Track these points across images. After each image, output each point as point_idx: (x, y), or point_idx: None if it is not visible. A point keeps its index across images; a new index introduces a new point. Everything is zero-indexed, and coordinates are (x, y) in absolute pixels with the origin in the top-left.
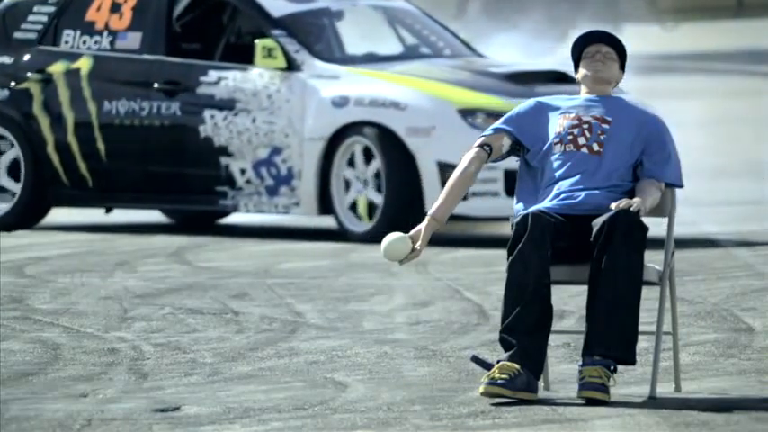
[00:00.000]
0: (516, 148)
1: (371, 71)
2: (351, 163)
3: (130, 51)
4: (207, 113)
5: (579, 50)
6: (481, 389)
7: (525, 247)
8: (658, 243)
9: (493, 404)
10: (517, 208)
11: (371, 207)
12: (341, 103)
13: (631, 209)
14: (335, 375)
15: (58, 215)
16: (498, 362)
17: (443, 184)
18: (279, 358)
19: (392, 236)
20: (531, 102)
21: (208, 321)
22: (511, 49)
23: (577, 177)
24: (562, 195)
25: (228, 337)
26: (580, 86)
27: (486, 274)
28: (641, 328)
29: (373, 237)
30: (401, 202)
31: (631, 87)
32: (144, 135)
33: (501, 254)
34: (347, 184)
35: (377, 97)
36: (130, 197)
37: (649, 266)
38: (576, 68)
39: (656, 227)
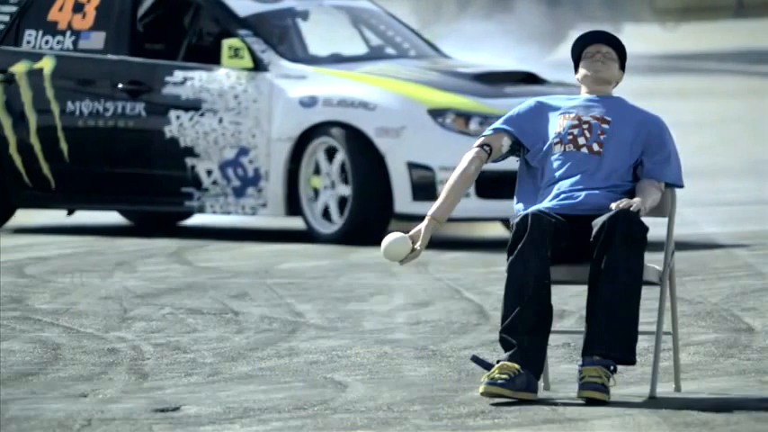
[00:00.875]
0: (516, 148)
1: (340, 71)
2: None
3: (94, 51)
4: (172, 114)
5: (579, 50)
6: (481, 389)
7: (525, 247)
8: (658, 243)
9: (493, 404)
10: (517, 208)
11: (342, 202)
12: (309, 103)
13: (631, 209)
14: (335, 375)
15: (54, 216)
16: (498, 362)
17: (413, 184)
18: (279, 358)
19: (392, 236)
20: (531, 102)
21: (208, 321)
22: (510, 50)
23: (577, 177)
24: (562, 195)
25: (228, 337)
26: (580, 87)
27: (486, 274)
28: (641, 328)
29: (341, 238)
30: (370, 203)
31: (631, 87)
32: (108, 136)
33: (501, 254)
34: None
35: (346, 97)
36: (94, 198)
37: (649, 266)
38: (576, 68)
39: (656, 227)
